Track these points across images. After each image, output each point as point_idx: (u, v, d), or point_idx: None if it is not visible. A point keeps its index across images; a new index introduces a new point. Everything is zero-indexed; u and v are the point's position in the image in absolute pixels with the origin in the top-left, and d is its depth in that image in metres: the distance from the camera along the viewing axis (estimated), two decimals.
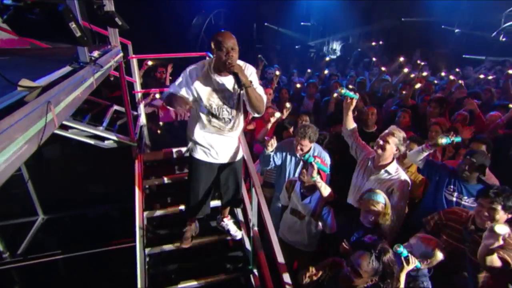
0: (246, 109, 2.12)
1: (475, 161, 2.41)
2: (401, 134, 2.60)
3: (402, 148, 2.62)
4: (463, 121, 3.72)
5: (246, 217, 2.89)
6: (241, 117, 2.22)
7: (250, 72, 2.01)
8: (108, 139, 2.98)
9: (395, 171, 2.60)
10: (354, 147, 2.87)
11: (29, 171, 3.90)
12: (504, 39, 9.54)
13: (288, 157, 3.05)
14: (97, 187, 4.40)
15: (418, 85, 5.02)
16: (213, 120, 2.13)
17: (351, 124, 2.82)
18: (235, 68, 1.80)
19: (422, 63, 7.20)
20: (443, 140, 2.44)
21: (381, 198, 2.21)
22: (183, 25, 9.35)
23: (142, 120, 3.92)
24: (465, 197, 2.50)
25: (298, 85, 5.47)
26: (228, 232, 2.76)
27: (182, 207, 2.87)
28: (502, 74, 6.66)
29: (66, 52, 2.11)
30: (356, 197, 2.74)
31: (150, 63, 4.66)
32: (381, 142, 2.59)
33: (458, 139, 2.53)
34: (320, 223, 2.53)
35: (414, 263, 1.80)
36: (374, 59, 7.97)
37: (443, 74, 7.07)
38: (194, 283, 2.60)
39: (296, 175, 2.94)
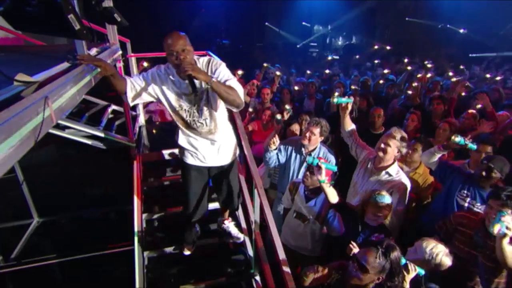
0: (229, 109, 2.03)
1: (493, 167, 2.29)
2: (403, 135, 2.58)
3: (404, 150, 2.60)
4: (473, 118, 3.62)
5: (248, 219, 2.83)
6: (221, 119, 2.09)
7: (215, 67, 1.89)
8: (106, 139, 2.91)
9: (396, 173, 2.58)
10: (354, 148, 2.86)
11: (23, 173, 3.81)
12: None
13: (293, 154, 3.01)
14: (94, 189, 4.31)
15: (415, 84, 4.96)
16: (188, 124, 2.05)
17: (349, 125, 2.82)
18: (188, 71, 1.66)
19: (429, 65, 7.06)
20: (457, 139, 2.38)
21: (388, 199, 2.20)
22: (183, 24, 9.31)
23: (141, 120, 3.86)
24: (478, 204, 2.40)
25: (296, 88, 5.45)
26: (229, 234, 2.70)
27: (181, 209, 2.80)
28: (511, 73, 6.59)
29: (63, 49, 2.07)
30: (355, 196, 2.71)
31: (145, 64, 4.58)
32: (382, 145, 2.56)
33: (473, 146, 2.45)
34: (324, 227, 2.48)
35: (414, 270, 1.75)
36: (376, 61, 7.95)
37: (450, 74, 6.99)
38: (194, 287, 2.53)
39: (300, 175, 2.89)
